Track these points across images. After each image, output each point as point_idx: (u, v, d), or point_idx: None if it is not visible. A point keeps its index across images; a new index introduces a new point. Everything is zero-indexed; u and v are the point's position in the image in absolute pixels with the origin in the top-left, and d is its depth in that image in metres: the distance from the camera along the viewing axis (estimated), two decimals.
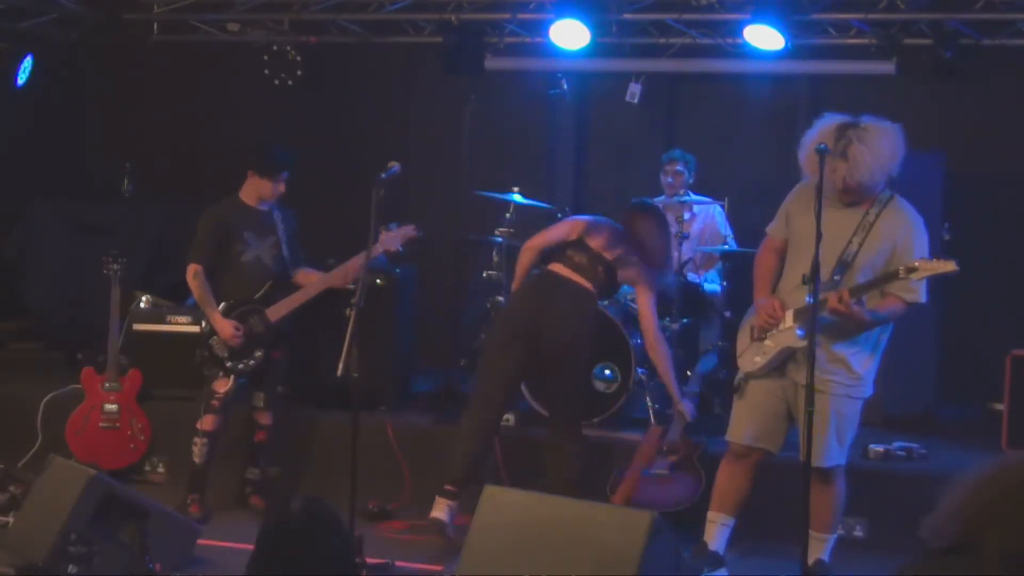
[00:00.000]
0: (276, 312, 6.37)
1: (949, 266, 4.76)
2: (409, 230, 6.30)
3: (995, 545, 2.22)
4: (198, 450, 6.35)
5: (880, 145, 4.91)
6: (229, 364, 6.32)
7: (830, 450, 5.10)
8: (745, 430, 5.28)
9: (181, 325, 7.33)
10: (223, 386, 6.33)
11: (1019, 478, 2.29)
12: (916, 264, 4.81)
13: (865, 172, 4.89)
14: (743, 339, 5.34)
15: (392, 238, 6.24)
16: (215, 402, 6.33)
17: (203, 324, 6.43)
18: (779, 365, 5.15)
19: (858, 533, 6.09)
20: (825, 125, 4.98)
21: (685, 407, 6.10)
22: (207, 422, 6.34)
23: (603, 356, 6.80)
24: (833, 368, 5.05)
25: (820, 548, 5.26)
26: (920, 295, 5.01)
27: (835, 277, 4.99)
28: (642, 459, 6.11)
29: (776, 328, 5.13)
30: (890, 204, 5.06)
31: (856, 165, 4.87)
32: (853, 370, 5.08)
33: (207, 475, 6.39)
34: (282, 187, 6.42)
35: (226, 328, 6.28)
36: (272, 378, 6.54)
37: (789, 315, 5.09)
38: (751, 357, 5.24)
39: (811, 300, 4.73)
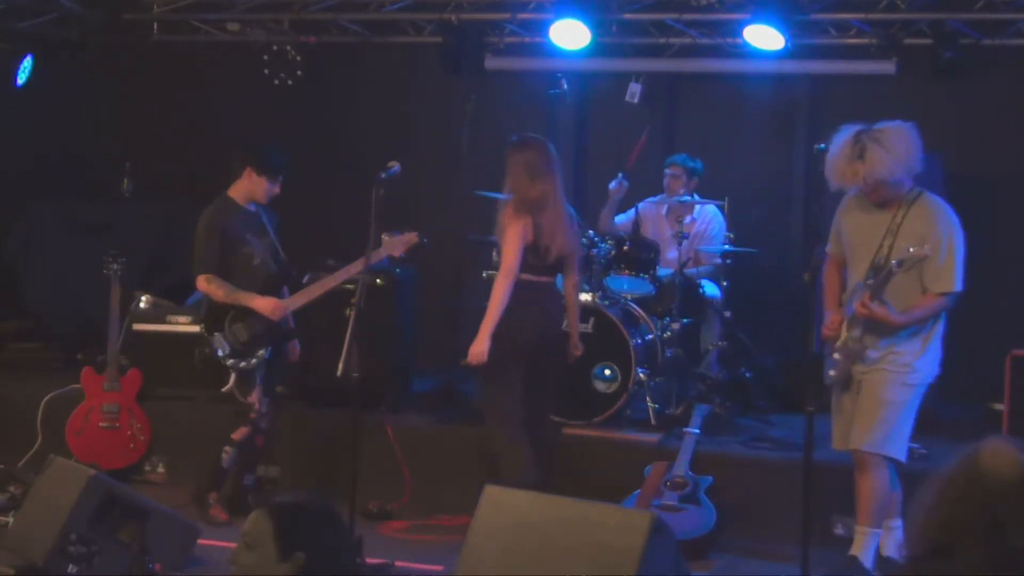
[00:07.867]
0: None
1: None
2: (412, 237, 6.18)
3: (974, 546, 2.21)
4: (226, 457, 6.26)
5: (894, 143, 5.04)
6: (230, 362, 6.13)
7: (872, 435, 5.15)
8: (836, 437, 5.40)
9: (181, 325, 7.33)
10: (256, 397, 6.21)
11: (986, 478, 2.27)
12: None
13: (883, 170, 5.03)
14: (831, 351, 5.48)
15: (395, 244, 6.13)
16: (253, 415, 6.23)
17: (202, 325, 6.22)
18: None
19: None
20: (843, 137, 5.13)
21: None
22: (240, 432, 6.23)
23: (603, 356, 6.79)
24: (880, 357, 5.17)
25: (860, 543, 5.25)
26: (951, 283, 5.12)
27: (868, 280, 5.10)
28: (649, 492, 6.10)
29: (839, 340, 5.27)
30: (916, 202, 5.18)
31: (873, 164, 5.02)
32: (903, 358, 5.18)
33: (228, 480, 6.33)
34: (277, 189, 6.29)
35: (268, 304, 6.13)
36: (273, 379, 6.47)
37: (844, 326, 5.24)
38: (827, 370, 5.36)
39: (850, 309, 5.10)
